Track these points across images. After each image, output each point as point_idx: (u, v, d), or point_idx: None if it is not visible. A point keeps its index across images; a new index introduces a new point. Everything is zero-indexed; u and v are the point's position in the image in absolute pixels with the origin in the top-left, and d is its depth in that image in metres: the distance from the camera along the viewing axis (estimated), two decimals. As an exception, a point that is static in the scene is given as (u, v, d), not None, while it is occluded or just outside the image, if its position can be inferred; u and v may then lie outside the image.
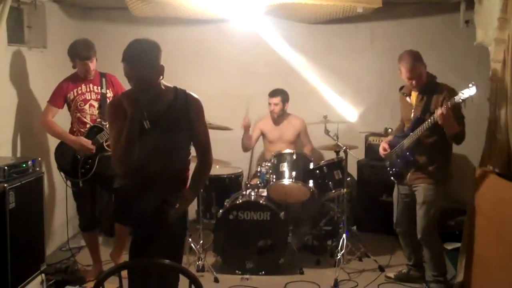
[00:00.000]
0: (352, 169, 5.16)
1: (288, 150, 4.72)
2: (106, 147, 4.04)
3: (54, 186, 4.85)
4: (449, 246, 4.70)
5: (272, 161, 4.67)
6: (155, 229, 2.68)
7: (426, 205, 3.82)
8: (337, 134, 4.62)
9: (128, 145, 2.58)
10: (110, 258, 4.37)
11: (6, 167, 3.49)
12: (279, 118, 5.18)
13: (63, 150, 4.12)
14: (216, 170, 4.83)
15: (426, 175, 3.81)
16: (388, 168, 4.08)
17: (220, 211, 4.43)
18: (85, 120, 4.13)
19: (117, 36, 4.56)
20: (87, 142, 4.02)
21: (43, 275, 3.90)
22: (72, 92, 4.11)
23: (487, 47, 3.75)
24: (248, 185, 4.60)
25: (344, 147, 4.49)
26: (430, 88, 3.79)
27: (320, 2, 4.45)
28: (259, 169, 4.90)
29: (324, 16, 5.24)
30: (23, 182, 3.63)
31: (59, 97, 4.11)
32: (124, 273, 2.62)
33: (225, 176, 4.90)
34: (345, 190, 4.50)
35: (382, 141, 4.27)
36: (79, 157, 4.04)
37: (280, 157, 4.67)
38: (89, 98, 4.13)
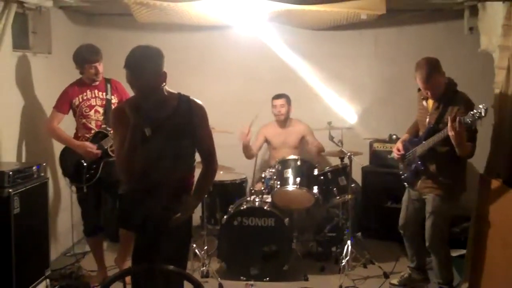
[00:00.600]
0: (356, 175, 5.14)
1: (292, 156, 4.71)
2: (110, 153, 4.05)
3: (59, 192, 4.85)
4: (455, 253, 4.66)
5: (277, 167, 4.66)
6: (158, 235, 2.68)
7: (434, 216, 3.79)
8: (341, 140, 4.61)
9: (130, 152, 2.59)
10: (115, 264, 4.37)
11: (11, 172, 3.51)
12: (285, 121, 5.16)
13: (67, 155, 4.13)
14: (220, 175, 4.82)
15: (436, 185, 3.76)
16: (401, 172, 4.07)
17: (225, 217, 4.42)
18: (90, 125, 4.13)
19: (121, 42, 4.54)
20: (92, 147, 4.03)
21: (47, 280, 3.91)
22: (77, 98, 4.12)
23: (491, 54, 3.75)
24: (253, 191, 4.59)
25: (349, 154, 4.48)
26: (447, 97, 3.68)
27: (324, 9, 4.44)
28: (263, 175, 4.89)
29: (328, 22, 5.24)
30: (28, 187, 3.65)
31: (65, 102, 4.12)
32: (128, 278, 2.63)
33: (229, 182, 4.91)
34: (349, 196, 4.49)
35: (386, 147, 4.25)
36: (84, 162, 4.05)
37: (284, 163, 4.66)
38: (94, 104, 4.14)
